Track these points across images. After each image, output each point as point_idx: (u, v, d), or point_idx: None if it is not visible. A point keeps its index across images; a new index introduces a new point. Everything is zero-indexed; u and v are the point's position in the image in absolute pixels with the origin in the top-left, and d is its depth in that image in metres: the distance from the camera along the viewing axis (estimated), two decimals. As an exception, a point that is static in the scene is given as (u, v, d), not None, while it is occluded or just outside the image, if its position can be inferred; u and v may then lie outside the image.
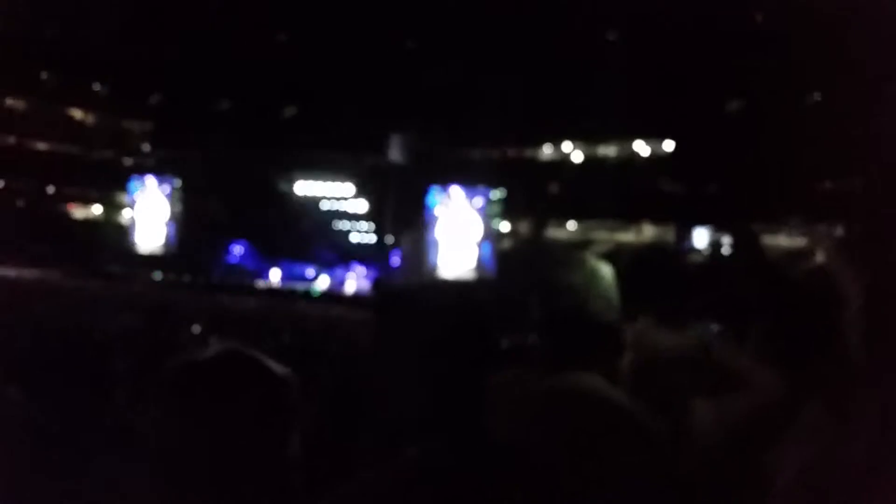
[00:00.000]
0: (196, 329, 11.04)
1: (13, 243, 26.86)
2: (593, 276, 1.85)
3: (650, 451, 1.70)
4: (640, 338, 2.42)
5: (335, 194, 29.01)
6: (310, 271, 27.73)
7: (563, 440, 1.61)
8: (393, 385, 1.45)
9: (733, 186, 21.98)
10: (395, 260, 27.85)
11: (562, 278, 1.85)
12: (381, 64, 25.98)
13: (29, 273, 25.26)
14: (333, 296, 25.85)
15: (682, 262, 23.19)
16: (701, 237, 23.87)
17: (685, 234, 24.42)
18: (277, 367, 1.52)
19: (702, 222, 24.08)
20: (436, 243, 27.11)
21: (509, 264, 24.04)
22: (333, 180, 28.52)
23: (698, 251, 23.62)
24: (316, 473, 1.55)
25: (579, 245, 25.19)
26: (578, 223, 26.50)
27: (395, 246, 27.89)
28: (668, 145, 25.47)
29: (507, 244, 26.73)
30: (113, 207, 35.37)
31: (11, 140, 33.29)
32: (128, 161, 36.08)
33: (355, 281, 27.31)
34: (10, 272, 24.81)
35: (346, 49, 25.92)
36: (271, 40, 27.69)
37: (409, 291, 1.45)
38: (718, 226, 23.24)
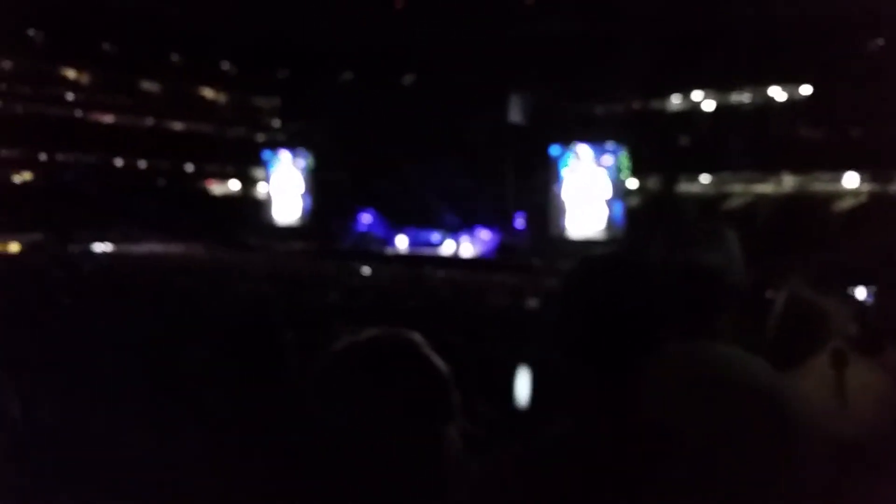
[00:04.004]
0: (332, 297, 11.35)
1: (157, 220, 28.53)
2: (731, 241, 1.71)
3: (798, 429, 1.54)
4: (791, 303, 2.22)
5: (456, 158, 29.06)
6: (435, 236, 28.00)
7: (711, 419, 1.48)
8: (554, 355, 1.37)
9: (877, 129, 20.43)
10: (520, 222, 27.69)
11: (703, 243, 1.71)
12: (496, 24, 25.59)
13: (174, 247, 26.79)
14: (460, 260, 26.03)
15: (829, 214, 21.93)
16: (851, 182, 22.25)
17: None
18: (433, 356, 1.56)
19: (845, 169, 22.58)
20: (562, 204, 26.74)
21: (642, 225, 23.37)
22: (455, 143, 28.52)
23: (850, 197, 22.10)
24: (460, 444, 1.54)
25: (714, 199, 24.17)
26: (711, 176, 25.38)
27: (519, 208, 27.71)
28: (806, 90, 23.94)
29: (636, 202, 25.92)
30: (249, 182, 36.92)
31: (149, 122, 35.18)
32: (260, 136, 37.48)
33: (481, 244, 27.39)
34: (156, 247, 26.39)
35: (459, 12, 25.67)
36: (388, 8, 27.82)
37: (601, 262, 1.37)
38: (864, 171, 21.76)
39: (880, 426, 1.89)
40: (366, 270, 20.71)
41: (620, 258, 1.41)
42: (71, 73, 33.63)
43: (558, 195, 26.86)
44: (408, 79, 30.89)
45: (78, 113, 33.56)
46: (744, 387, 1.53)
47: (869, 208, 20.76)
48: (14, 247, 23.55)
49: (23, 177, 32.02)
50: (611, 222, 25.29)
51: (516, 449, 1.29)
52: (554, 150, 26.88)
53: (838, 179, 22.80)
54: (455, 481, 1.45)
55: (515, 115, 28.72)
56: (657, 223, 20.70)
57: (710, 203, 23.92)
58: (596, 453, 1.23)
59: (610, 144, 25.50)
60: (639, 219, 24.01)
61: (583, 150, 26.19)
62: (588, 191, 25.99)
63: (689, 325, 1.63)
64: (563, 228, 26.53)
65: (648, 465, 1.22)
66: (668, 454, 1.23)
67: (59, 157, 32.80)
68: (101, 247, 25.65)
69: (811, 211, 21.40)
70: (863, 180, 22.30)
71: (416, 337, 1.58)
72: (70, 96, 33.56)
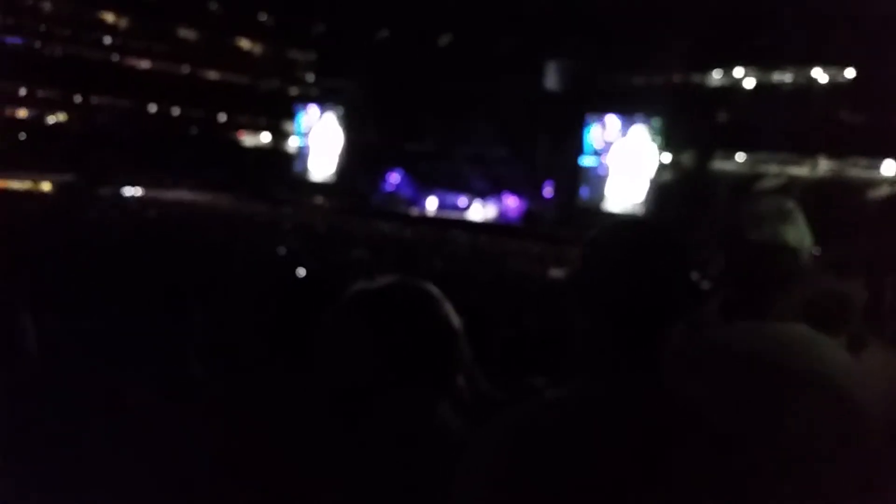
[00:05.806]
0: (358, 254, 11.39)
1: (188, 168, 28.71)
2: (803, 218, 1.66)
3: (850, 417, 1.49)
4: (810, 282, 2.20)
5: (488, 123, 28.86)
6: (462, 200, 27.94)
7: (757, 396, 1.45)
8: (578, 317, 1.34)
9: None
10: (548, 191, 27.53)
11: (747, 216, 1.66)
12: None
13: (203, 196, 27.00)
14: (486, 225, 25.97)
15: (857, 201, 21.56)
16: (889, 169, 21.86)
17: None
18: (447, 308, 1.55)
19: (885, 156, 22.11)
20: (592, 175, 26.53)
21: (678, 198, 23.08)
22: (488, 107, 28.31)
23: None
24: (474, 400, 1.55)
25: (748, 179, 23.80)
26: (747, 155, 24.95)
27: (548, 177, 27.53)
28: (850, 73, 23.36)
29: (669, 176, 25.57)
30: (280, 135, 36.98)
31: (185, 70, 35.24)
32: (293, 90, 37.44)
33: (508, 211, 27.30)
34: (186, 195, 26.61)
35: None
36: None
37: (617, 226, 1.36)
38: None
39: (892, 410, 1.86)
40: (389, 230, 20.76)
41: (646, 223, 1.40)
42: (109, 18, 33.70)
43: (589, 166, 26.64)
44: (444, 39, 30.58)
45: (115, 57, 33.70)
46: (815, 370, 1.49)
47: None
48: (46, 186, 23.87)
49: (58, 118, 32.31)
50: (642, 195, 25.07)
51: (522, 408, 1.28)
52: (587, 119, 26.61)
53: (876, 166, 22.35)
54: (459, 430, 1.46)
55: (551, 81, 28.38)
56: (699, 199, 20.41)
57: (743, 182, 23.57)
58: (600, 419, 1.20)
59: (645, 117, 25.17)
60: (671, 193, 23.73)
61: (616, 121, 25.90)
62: (620, 163, 25.75)
63: (752, 302, 1.59)
64: (591, 199, 26.36)
65: (668, 438, 1.18)
66: (694, 428, 1.20)
67: (95, 100, 33.04)
68: (131, 191, 25.93)
69: (845, 196, 21.03)
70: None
71: (432, 288, 1.58)
72: (108, 41, 33.68)
